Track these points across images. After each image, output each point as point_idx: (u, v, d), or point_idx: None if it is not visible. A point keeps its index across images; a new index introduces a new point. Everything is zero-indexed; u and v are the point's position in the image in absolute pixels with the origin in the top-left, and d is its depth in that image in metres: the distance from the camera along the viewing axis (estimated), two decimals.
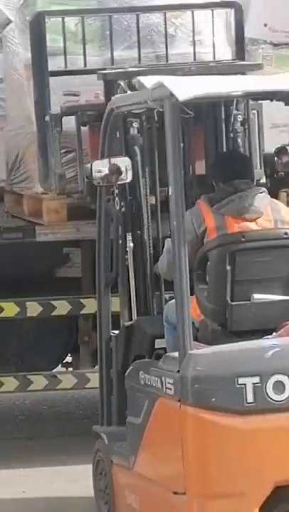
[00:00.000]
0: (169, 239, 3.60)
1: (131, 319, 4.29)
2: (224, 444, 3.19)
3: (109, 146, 4.14)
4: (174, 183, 3.37)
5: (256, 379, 3.21)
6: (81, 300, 6.12)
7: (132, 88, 4.14)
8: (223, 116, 4.51)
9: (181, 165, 3.48)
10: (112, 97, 4.23)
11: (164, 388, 3.53)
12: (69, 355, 7.18)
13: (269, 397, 3.18)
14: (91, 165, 3.90)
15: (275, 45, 6.04)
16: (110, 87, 4.44)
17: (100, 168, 3.83)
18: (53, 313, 6.19)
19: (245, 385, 3.19)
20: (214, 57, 5.07)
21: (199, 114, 4.22)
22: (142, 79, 3.92)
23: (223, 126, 4.52)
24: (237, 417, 3.17)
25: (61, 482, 5.35)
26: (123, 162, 3.85)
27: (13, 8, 5.60)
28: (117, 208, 4.19)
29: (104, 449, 4.40)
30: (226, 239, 3.69)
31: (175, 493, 3.33)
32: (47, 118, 4.66)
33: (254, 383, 3.19)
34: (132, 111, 4.13)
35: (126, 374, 4.13)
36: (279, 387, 3.20)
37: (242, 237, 3.64)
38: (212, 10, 5.13)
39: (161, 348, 3.99)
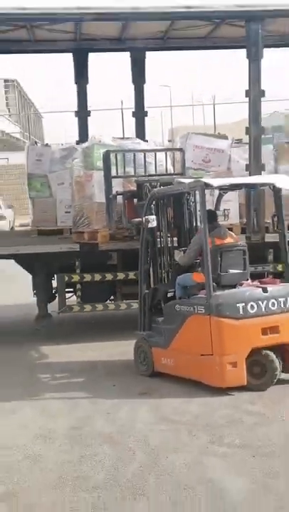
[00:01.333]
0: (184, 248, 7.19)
1: (154, 285, 7.29)
2: (230, 332, 6.07)
3: (146, 211, 7.05)
4: (204, 226, 6.51)
5: (242, 304, 6.16)
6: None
7: (152, 186, 7.43)
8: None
9: (206, 218, 6.56)
10: (154, 190, 7.32)
11: (196, 310, 6.27)
12: None
13: (248, 311, 6.17)
14: (143, 218, 6.96)
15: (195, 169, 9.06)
16: (140, 185, 7.63)
17: (149, 219, 6.92)
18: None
19: (238, 306, 6.13)
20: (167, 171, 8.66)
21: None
22: (180, 179, 7.45)
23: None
24: (235, 320, 6.09)
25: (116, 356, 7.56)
26: (153, 218, 6.96)
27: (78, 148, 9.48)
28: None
29: (144, 340, 6.98)
30: (216, 246, 6.57)
31: (202, 355, 6.15)
32: (110, 196, 7.74)
33: (242, 306, 6.15)
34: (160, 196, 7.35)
35: (163, 306, 6.92)
36: (253, 307, 6.19)
37: (221, 246, 6.67)
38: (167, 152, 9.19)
39: (171, 297, 6.95)
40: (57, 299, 8.75)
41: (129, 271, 8.42)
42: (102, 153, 7.86)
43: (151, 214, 7.05)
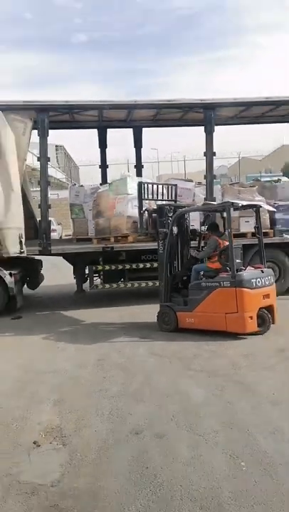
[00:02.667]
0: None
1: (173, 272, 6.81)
2: (248, 297, 5.93)
3: (173, 223, 6.69)
4: (229, 233, 6.26)
5: (254, 279, 6.02)
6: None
7: (174, 210, 6.87)
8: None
9: (231, 226, 6.35)
10: (180, 209, 6.87)
11: (222, 284, 6.08)
12: None
13: (256, 284, 6.03)
14: (169, 228, 6.60)
15: None
16: (161, 207, 6.87)
17: (174, 229, 6.68)
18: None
19: (252, 281, 5.99)
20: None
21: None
22: (208, 201, 7.56)
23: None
24: (251, 290, 5.95)
25: (126, 316, 6.73)
26: (176, 228, 6.73)
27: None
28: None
29: (168, 308, 6.50)
30: (225, 246, 6.34)
31: (227, 313, 5.99)
32: (142, 211, 6.99)
33: (254, 281, 6.00)
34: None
35: (190, 285, 6.46)
36: (258, 282, 6.06)
37: (224, 245, 6.38)
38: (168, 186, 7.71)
39: (186, 279, 6.74)
40: (88, 281, 8.78)
41: (133, 263, 8.45)
42: (137, 183, 7.29)
43: (175, 226, 6.74)
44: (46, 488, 2.93)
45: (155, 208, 6.96)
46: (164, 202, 7.29)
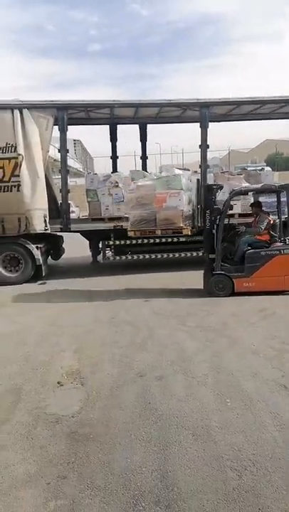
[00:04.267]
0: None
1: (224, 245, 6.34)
2: None
3: (228, 200, 6.26)
4: None
5: None
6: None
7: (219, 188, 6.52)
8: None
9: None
10: (234, 189, 6.42)
11: (282, 252, 6.01)
12: None
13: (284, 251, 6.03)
14: (224, 205, 6.20)
15: None
16: (210, 187, 6.42)
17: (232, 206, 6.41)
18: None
19: None
20: None
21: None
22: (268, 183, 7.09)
23: None
24: None
25: (131, 283, 6.22)
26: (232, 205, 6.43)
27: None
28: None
29: (224, 276, 6.10)
30: (273, 222, 6.38)
31: (286, 275, 5.98)
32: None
33: None
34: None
35: (246, 254, 6.14)
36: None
37: (273, 221, 6.43)
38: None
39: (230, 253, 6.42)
40: (101, 253, 8.77)
41: (138, 239, 8.40)
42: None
43: (231, 205, 6.40)
44: (68, 419, 3.00)
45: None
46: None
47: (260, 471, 2.35)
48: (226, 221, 6.39)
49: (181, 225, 6.55)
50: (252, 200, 8.18)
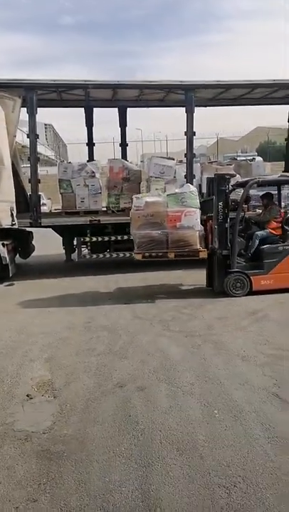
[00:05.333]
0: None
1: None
2: None
3: (246, 192, 6.46)
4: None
5: None
6: None
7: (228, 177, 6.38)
8: None
9: None
10: (252, 180, 6.44)
11: None
12: None
13: None
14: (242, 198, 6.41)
15: (156, 177, 8.96)
16: (222, 177, 6.35)
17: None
18: None
19: None
20: None
21: None
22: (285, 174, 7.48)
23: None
24: None
25: (112, 283, 6.04)
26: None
27: None
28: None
29: (241, 274, 6.18)
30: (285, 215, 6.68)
31: None
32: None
33: None
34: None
35: (264, 249, 6.30)
36: None
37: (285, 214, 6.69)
38: None
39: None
40: (76, 251, 8.73)
41: (118, 235, 8.42)
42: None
43: (248, 196, 6.47)
44: (39, 435, 2.97)
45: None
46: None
47: (250, 488, 2.40)
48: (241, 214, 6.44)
49: (198, 246, 6.26)
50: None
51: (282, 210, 6.70)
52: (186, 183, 8.49)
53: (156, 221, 6.25)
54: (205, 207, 6.50)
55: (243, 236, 6.58)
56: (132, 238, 8.23)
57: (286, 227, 6.49)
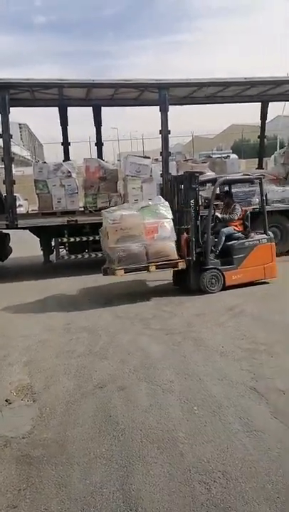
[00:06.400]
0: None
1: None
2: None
3: (214, 191, 6.69)
4: (262, 201, 6.95)
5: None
6: None
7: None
8: None
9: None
10: (220, 179, 6.81)
11: (260, 242, 6.59)
12: None
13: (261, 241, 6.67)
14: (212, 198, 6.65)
15: (132, 176, 8.84)
16: (192, 175, 6.50)
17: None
18: None
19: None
20: None
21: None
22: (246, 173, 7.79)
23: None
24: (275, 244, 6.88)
25: (90, 283, 6.02)
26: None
27: None
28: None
29: (216, 270, 6.31)
30: (245, 213, 6.92)
31: (264, 264, 6.51)
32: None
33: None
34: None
35: (235, 245, 6.51)
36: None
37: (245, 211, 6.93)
38: None
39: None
40: (54, 252, 8.62)
41: (96, 235, 8.32)
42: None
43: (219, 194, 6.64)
44: (18, 440, 2.93)
45: None
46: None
47: (230, 483, 2.43)
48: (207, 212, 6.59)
49: (176, 256, 6.19)
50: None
51: (243, 208, 6.92)
52: (163, 181, 8.54)
53: (134, 234, 6.06)
54: (176, 218, 6.50)
55: (212, 233, 6.72)
56: None
57: (246, 223, 6.80)
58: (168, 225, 6.23)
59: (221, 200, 7.39)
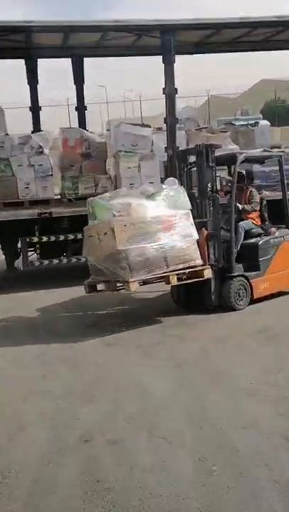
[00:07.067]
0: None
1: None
2: None
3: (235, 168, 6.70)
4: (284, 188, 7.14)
5: None
6: None
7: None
8: None
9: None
10: (240, 156, 6.67)
11: (284, 239, 6.74)
12: None
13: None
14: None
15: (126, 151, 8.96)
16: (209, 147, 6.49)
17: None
18: None
19: None
20: None
21: None
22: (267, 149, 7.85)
23: None
24: None
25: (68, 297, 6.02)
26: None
27: None
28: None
29: (243, 278, 6.29)
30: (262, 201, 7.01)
31: None
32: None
33: None
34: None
35: (260, 244, 6.54)
36: None
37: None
38: None
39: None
40: (21, 256, 8.62)
41: (78, 232, 8.29)
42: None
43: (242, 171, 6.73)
44: None
45: None
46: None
47: None
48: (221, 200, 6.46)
49: (201, 261, 5.99)
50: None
51: (258, 194, 6.92)
52: (168, 155, 8.49)
53: (148, 230, 5.73)
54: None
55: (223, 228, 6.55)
56: None
57: (264, 215, 6.81)
58: (187, 218, 6.03)
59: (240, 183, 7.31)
